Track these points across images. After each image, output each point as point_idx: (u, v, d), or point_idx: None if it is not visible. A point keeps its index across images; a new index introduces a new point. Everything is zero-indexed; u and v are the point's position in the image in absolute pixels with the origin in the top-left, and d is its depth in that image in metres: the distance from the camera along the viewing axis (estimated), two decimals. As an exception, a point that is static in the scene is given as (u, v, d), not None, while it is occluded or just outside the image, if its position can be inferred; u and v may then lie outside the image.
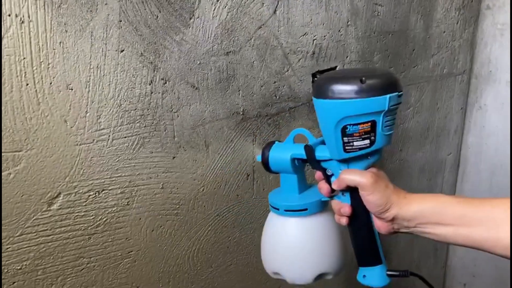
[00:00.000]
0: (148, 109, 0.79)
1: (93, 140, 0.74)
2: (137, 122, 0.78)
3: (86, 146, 0.73)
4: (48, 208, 0.71)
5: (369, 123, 0.65)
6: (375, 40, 1.15)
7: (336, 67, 1.08)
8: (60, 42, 0.67)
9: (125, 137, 0.77)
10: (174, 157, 0.84)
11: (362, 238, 0.72)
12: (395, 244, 1.44)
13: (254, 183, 0.99)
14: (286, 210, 0.77)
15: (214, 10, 0.83)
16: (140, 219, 0.82)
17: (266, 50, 0.93)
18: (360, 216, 0.71)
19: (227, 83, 0.89)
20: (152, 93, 0.79)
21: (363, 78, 0.63)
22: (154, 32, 0.76)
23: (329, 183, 0.74)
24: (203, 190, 0.90)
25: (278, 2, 0.92)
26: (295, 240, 0.77)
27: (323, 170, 0.74)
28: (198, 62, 0.84)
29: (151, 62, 0.78)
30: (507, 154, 1.48)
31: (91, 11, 0.69)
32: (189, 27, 0.81)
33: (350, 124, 0.65)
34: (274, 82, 0.97)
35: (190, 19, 0.80)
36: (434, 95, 1.40)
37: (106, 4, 0.70)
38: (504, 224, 0.58)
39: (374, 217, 0.70)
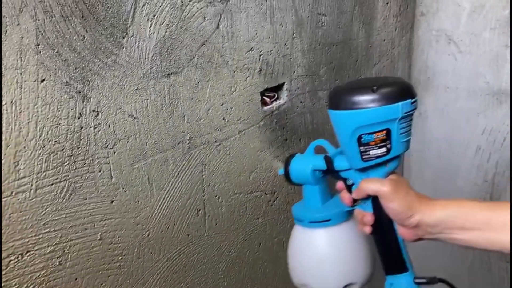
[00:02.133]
0: (78, 148, 0.66)
1: (12, 192, 0.59)
2: (66, 165, 0.65)
3: (3, 201, 0.59)
4: (-44, 285, 0.56)
5: (384, 131, 0.64)
6: (320, 52, 1.08)
7: (284, 83, 1.00)
8: (-41, 75, 0.53)
9: (52, 184, 0.64)
10: (112, 201, 0.72)
11: (386, 246, 0.71)
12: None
13: (206, 219, 0.88)
14: (310, 222, 0.77)
15: (150, 27, 0.71)
16: (76, 279, 0.68)
17: (211, 69, 0.83)
18: (383, 224, 0.70)
19: (170, 109, 0.78)
20: (82, 128, 0.66)
21: (375, 88, 0.63)
22: (81, 56, 0.64)
23: (350, 192, 0.73)
24: (148, 235, 0.78)
25: (220, 15, 0.82)
26: (321, 251, 0.77)
27: (344, 180, 0.73)
28: (135, 88, 0.72)
29: (79, 92, 0.64)
30: (450, 159, 1.49)
31: (-1, 34, 0.55)
32: (123, 48, 0.68)
33: (365, 134, 0.65)
34: (222, 104, 0.86)
35: (123, 38, 0.68)
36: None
37: (18, 24, 0.56)
38: None
39: (398, 224, 0.68)
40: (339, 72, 1.16)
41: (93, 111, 0.67)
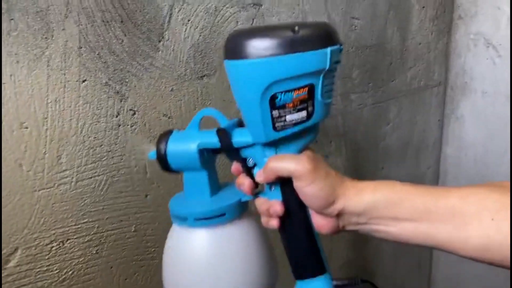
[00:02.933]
0: (116, 144, 0.70)
1: (54, 184, 0.65)
2: (104, 160, 0.69)
3: (46, 192, 0.64)
4: (4, 267, 0.61)
5: (306, 88, 0.48)
6: (353, 55, 1.10)
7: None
8: (11, 75, 0.58)
9: (91, 178, 0.68)
10: (146, 195, 0.76)
11: (299, 242, 0.55)
12: (377, 264, 1.39)
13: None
14: (196, 220, 0.56)
15: (185, 31, 0.75)
16: (111, 267, 0.73)
17: (242, 72, 0.86)
18: (294, 215, 0.54)
19: (202, 108, 0.81)
20: (119, 126, 0.70)
21: (296, 28, 0.47)
22: (119, 58, 0.68)
23: (252, 176, 0.55)
24: (180, 228, 0.82)
25: (253, 20, 0.85)
26: (209, 257, 0.57)
27: (243, 161, 0.55)
28: (170, 89, 0.76)
29: (118, 92, 0.69)
30: (486, 164, 1.46)
31: (46, 38, 0.60)
32: (159, 51, 0.73)
33: (281, 92, 0.48)
34: (252, 105, 0.89)
35: (159, 42, 0.72)
36: (412, 108, 1.36)
37: (63, 29, 0.61)
38: (474, 221, 0.46)
39: (313, 214, 0.54)
40: (372, 75, 1.17)
41: (130, 110, 0.71)
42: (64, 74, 0.63)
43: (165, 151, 0.56)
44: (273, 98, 0.48)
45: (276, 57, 0.46)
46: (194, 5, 0.75)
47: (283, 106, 0.49)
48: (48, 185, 0.64)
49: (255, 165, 0.55)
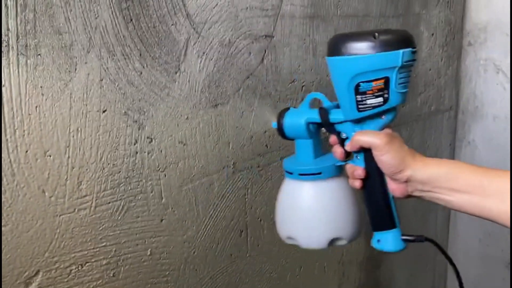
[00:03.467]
0: (133, 171, 0.74)
1: (75, 209, 0.68)
2: (122, 186, 0.72)
3: (67, 216, 0.67)
4: (25, 289, 0.64)
5: (382, 80, 0.64)
6: (363, 82, 1.12)
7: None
8: (36, 107, 0.62)
9: (109, 203, 0.71)
10: (162, 220, 0.78)
11: (376, 201, 0.71)
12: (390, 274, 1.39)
13: (248, 240, 0.93)
14: (300, 174, 0.75)
15: (200, 62, 0.79)
16: (127, 290, 0.75)
17: (255, 100, 0.89)
18: (374, 179, 0.70)
19: (217, 136, 0.84)
20: (137, 153, 0.74)
21: (376, 34, 0.63)
22: (138, 89, 0.72)
23: (343, 146, 0.72)
24: (194, 253, 0.84)
25: (265, 51, 0.88)
26: (309, 204, 0.76)
27: (338, 134, 0.72)
28: (186, 117, 0.79)
29: (136, 121, 0.72)
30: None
31: (69, 71, 0.64)
32: (175, 82, 0.76)
33: (363, 82, 0.64)
34: (265, 132, 0.92)
35: (176, 73, 0.76)
36: (423, 133, 1.38)
37: (86, 63, 0.65)
38: None
39: (388, 179, 0.68)
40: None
41: (147, 138, 0.74)
42: (86, 105, 0.66)
43: (282, 123, 0.76)
44: (357, 86, 0.65)
45: (359, 55, 0.63)
46: (209, 38, 0.79)
47: (364, 93, 0.65)
48: (69, 210, 0.67)
49: (346, 138, 0.71)
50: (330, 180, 0.75)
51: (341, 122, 0.71)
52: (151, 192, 0.76)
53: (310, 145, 0.76)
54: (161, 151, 0.77)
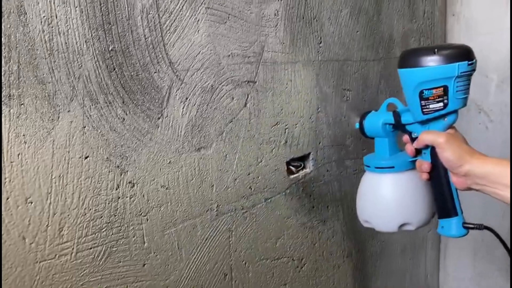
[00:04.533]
0: (115, 216, 0.74)
1: (55, 255, 0.68)
2: (104, 231, 0.73)
3: (47, 263, 0.67)
4: (3, 338, 0.63)
5: (442, 88, 0.75)
6: (346, 123, 1.15)
7: (309, 153, 1.06)
8: (18, 154, 0.63)
9: (91, 248, 0.72)
10: (144, 264, 0.78)
11: (440, 191, 0.81)
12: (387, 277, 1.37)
13: (233, 283, 0.93)
14: (376, 168, 0.89)
15: (183, 108, 0.81)
16: (108, 337, 0.74)
17: (238, 143, 0.91)
18: (438, 172, 0.80)
19: (200, 179, 0.85)
20: (119, 198, 0.74)
21: (436, 50, 0.75)
22: (120, 135, 0.73)
23: (413, 144, 0.84)
24: (177, 297, 0.83)
25: (248, 95, 0.91)
26: (383, 193, 0.88)
27: (409, 133, 0.84)
28: (168, 161, 0.80)
29: (118, 166, 0.74)
30: (488, 224, 1.46)
31: (52, 119, 0.66)
32: (158, 127, 0.78)
33: (426, 89, 0.76)
34: (248, 174, 0.93)
35: (159, 119, 0.78)
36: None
37: (68, 111, 0.67)
38: None
39: (451, 173, 0.78)
40: (365, 142, 1.21)
41: (129, 182, 0.75)
42: (68, 152, 0.68)
43: (363, 124, 0.91)
44: (421, 93, 0.77)
45: (422, 67, 0.76)
46: (192, 84, 0.81)
47: (427, 98, 0.77)
48: (49, 256, 0.67)
49: (417, 137, 0.82)
50: (402, 173, 0.88)
51: (411, 123, 0.83)
52: (133, 236, 0.77)
53: (386, 143, 0.89)
54: (143, 195, 0.77)
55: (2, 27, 0.60)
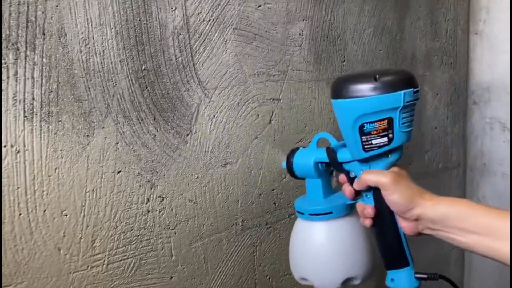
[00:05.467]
0: (144, 229, 0.77)
1: (88, 266, 0.70)
2: (134, 243, 0.75)
3: (80, 274, 0.70)
4: None
5: (386, 120, 0.65)
6: (369, 141, 1.15)
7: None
8: (55, 169, 0.66)
9: (121, 260, 0.74)
10: (171, 277, 0.80)
11: (387, 239, 0.71)
12: None
13: (256, 298, 0.94)
14: (310, 214, 0.77)
15: (211, 125, 0.83)
16: None
17: (263, 158, 0.92)
18: (384, 217, 0.70)
19: (226, 194, 0.87)
20: (149, 212, 0.77)
21: (377, 76, 0.64)
22: (151, 151, 0.76)
23: (353, 185, 0.73)
24: (203, 310, 0.85)
25: (272, 112, 0.93)
26: (321, 244, 0.77)
27: (347, 173, 0.73)
28: (196, 176, 0.83)
29: (148, 181, 0.76)
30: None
31: (87, 135, 0.69)
32: (187, 143, 0.80)
33: (367, 122, 0.66)
34: (273, 190, 0.95)
35: (188, 135, 0.80)
36: (432, 190, 1.38)
37: (103, 127, 0.70)
38: None
39: (399, 217, 0.68)
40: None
41: (159, 197, 0.78)
42: (102, 167, 0.71)
43: (292, 163, 0.79)
44: (361, 127, 0.66)
45: (362, 98, 0.65)
46: (219, 102, 0.84)
47: (369, 133, 0.66)
48: (82, 267, 0.70)
49: (355, 176, 0.72)
50: (341, 219, 0.77)
51: (348, 162, 0.72)
52: (162, 249, 0.79)
53: (320, 185, 0.78)
54: (171, 209, 0.80)
55: (44, 48, 0.64)
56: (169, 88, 0.77)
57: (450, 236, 0.63)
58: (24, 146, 0.63)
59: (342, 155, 0.73)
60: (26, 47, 0.62)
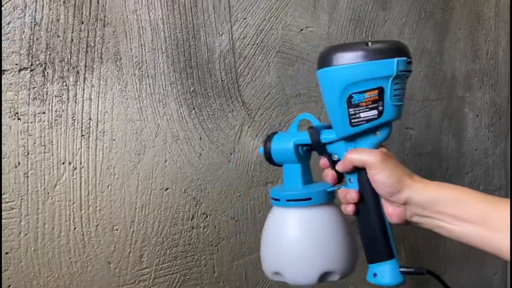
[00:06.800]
0: (189, 245, 0.79)
1: (135, 280, 0.73)
2: (179, 259, 0.77)
3: (128, 287, 0.72)
4: None
5: (376, 91, 0.59)
6: (409, 161, 1.15)
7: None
8: (108, 185, 0.69)
9: (166, 275, 0.76)
10: (214, 293, 0.82)
11: (371, 228, 0.63)
12: None
13: (296, 317, 0.94)
14: (287, 200, 0.68)
15: (253, 144, 0.85)
16: None
17: (303, 179, 0.94)
18: (368, 202, 0.63)
19: (266, 213, 0.89)
20: (193, 228, 0.79)
21: (369, 43, 0.59)
22: (197, 169, 0.79)
23: (335, 169, 0.66)
24: (243, 327, 0.86)
25: (314, 133, 0.94)
26: (297, 233, 0.68)
27: (329, 156, 0.67)
28: (238, 195, 0.85)
29: (194, 198, 0.79)
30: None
31: (139, 154, 0.72)
32: (230, 162, 0.83)
33: (355, 93, 0.60)
34: (312, 210, 0.96)
35: (231, 154, 0.83)
36: (473, 212, 1.36)
37: (153, 146, 0.73)
38: None
39: (385, 203, 0.62)
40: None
41: (203, 214, 0.80)
42: (151, 184, 0.74)
43: (269, 148, 0.71)
44: (349, 98, 0.60)
45: (352, 64, 0.59)
46: (261, 122, 0.86)
47: (357, 105, 0.60)
48: (130, 281, 0.72)
49: (338, 159, 0.66)
50: (321, 207, 0.68)
51: (332, 142, 0.66)
52: (205, 266, 0.81)
53: (299, 170, 0.70)
54: (215, 226, 0.82)
55: (101, 71, 0.68)
56: (215, 109, 0.80)
57: (440, 225, 0.57)
58: (81, 163, 0.67)
59: (326, 135, 0.66)
60: (85, 70, 0.66)
